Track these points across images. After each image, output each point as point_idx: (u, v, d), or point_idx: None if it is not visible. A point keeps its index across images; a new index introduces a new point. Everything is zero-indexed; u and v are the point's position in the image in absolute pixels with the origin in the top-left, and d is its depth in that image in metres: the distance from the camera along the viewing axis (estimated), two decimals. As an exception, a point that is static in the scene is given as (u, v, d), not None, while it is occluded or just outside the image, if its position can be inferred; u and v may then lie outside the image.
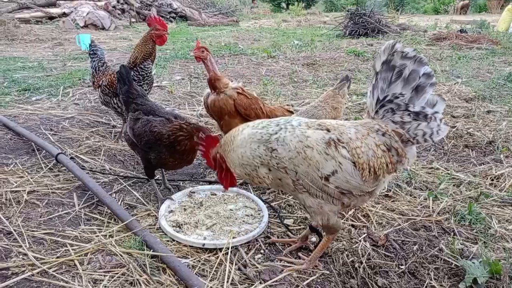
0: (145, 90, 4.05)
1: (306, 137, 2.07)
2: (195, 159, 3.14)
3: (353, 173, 2.05)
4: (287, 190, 2.22)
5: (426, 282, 2.28)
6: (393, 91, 2.04)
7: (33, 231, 2.60)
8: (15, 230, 2.56)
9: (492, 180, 3.52)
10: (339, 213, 2.27)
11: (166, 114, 3.04)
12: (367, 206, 3.02)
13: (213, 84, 3.39)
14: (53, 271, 2.23)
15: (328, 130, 2.10)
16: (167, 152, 2.89)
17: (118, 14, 16.73)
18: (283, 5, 28.27)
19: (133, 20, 16.27)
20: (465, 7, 25.95)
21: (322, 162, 2.03)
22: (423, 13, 26.12)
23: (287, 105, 4.21)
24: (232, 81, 3.57)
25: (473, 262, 2.30)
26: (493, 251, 2.56)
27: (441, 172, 3.65)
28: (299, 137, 2.07)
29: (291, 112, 3.67)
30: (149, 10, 17.55)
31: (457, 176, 3.56)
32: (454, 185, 3.43)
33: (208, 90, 3.56)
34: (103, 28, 13.95)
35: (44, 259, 2.33)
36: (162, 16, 17.70)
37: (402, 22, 15.31)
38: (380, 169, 2.07)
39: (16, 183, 3.15)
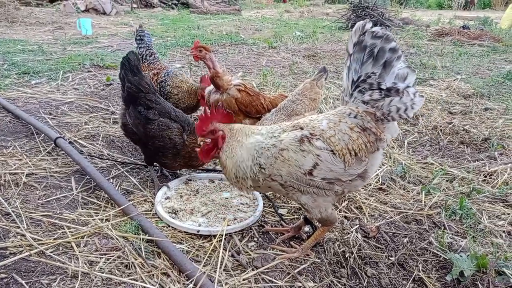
0: None
1: (280, 141, 2.13)
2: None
3: (334, 161, 2.09)
4: (280, 194, 2.28)
5: (414, 274, 2.33)
6: (365, 71, 2.06)
7: (31, 213, 2.64)
8: (13, 211, 2.61)
9: (485, 176, 3.57)
10: (334, 202, 2.32)
11: (180, 120, 2.98)
12: (360, 199, 3.07)
13: (215, 82, 3.36)
14: (50, 252, 2.28)
15: (302, 128, 2.16)
16: (177, 160, 2.95)
17: (120, -1, 16.58)
18: (287, -5, 28.10)
19: (134, 5, 16.12)
20: (472, 2, 25.79)
21: (300, 159, 2.09)
22: (427, 7, 25.91)
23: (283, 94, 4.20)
24: (232, 75, 3.55)
25: (460, 256, 2.36)
26: (482, 245, 2.62)
27: (435, 167, 3.69)
28: (274, 143, 2.13)
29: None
30: (151, -4, 17.37)
31: (451, 171, 3.60)
32: (447, 181, 3.47)
33: (209, 88, 3.54)
34: (104, 13, 13.83)
35: (41, 240, 2.38)
36: (164, 3, 17.56)
37: (405, 16, 15.20)
38: (360, 150, 2.11)
39: (15, 165, 3.19)
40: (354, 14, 12.99)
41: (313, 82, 3.35)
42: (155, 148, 2.94)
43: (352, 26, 12.74)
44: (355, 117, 2.12)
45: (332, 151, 2.09)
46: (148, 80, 3.04)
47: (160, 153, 2.96)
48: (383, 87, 2.04)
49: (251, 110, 3.43)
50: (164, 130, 2.87)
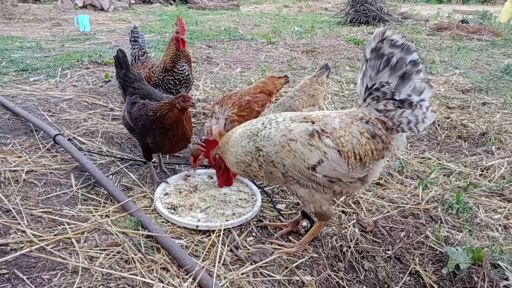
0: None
1: (289, 131, 2.13)
2: (190, 144, 3.17)
3: (339, 161, 2.10)
4: (279, 182, 2.31)
5: (411, 267, 2.37)
6: (380, 80, 2.05)
7: (31, 209, 2.66)
8: (13, 208, 2.62)
9: (482, 171, 3.59)
10: (331, 200, 2.34)
11: (162, 99, 3.05)
12: (358, 194, 3.09)
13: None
14: (50, 248, 2.31)
15: (313, 122, 2.16)
16: (160, 133, 2.93)
17: (118, -5, 16.50)
18: (285, -10, 27.97)
19: (132, 1, 16.06)
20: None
21: (307, 153, 2.09)
22: (426, 1, 25.83)
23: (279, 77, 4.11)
24: (219, 118, 3.43)
25: (456, 249, 2.39)
26: (478, 239, 2.65)
27: (433, 162, 3.71)
28: (283, 131, 2.14)
29: (280, 78, 3.83)
30: (149, -9, 17.29)
31: (448, 166, 3.63)
32: (444, 175, 3.50)
33: (208, 123, 3.49)
34: (102, 9, 13.77)
35: (42, 236, 2.40)
36: (162, -2, 17.47)
37: (404, 10, 15.15)
38: (366, 156, 2.12)
39: (14, 162, 3.20)
40: (353, 9, 12.95)
41: (313, 78, 3.36)
42: (140, 129, 2.98)
43: (350, 21, 12.78)
44: (366, 122, 2.12)
45: (339, 151, 2.10)
46: (135, 72, 3.23)
47: (147, 134, 2.99)
48: (397, 97, 2.03)
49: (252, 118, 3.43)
50: (142, 109, 2.96)
